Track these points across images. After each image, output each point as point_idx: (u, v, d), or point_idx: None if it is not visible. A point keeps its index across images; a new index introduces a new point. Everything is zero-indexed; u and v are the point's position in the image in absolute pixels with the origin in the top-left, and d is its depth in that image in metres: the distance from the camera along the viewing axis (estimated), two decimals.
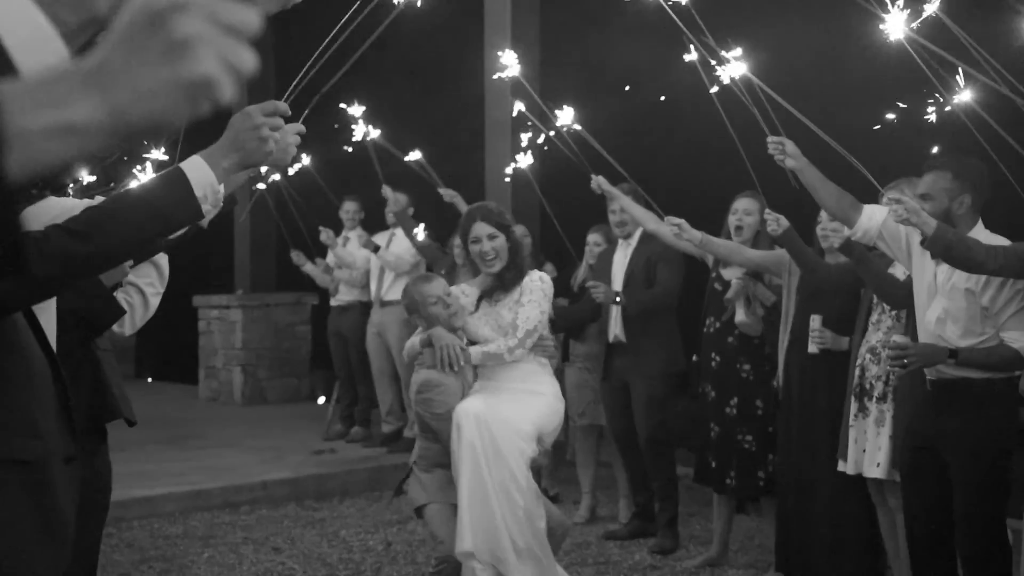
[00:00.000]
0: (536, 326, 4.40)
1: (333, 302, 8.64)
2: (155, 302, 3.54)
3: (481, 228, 4.49)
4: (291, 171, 7.37)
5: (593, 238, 6.52)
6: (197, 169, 2.03)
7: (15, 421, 1.68)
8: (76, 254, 1.84)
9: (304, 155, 7.23)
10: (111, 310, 3.28)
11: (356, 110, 6.44)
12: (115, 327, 3.55)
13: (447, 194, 7.05)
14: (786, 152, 4.08)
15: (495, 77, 6.06)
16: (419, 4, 4.06)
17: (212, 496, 6.77)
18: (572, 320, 6.37)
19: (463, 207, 6.89)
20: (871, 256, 4.39)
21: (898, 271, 4.44)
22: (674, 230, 5.16)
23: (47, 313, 2.56)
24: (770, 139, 4.13)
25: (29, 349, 1.77)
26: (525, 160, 6.31)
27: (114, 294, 3.58)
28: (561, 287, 6.29)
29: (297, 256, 8.65)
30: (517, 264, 4.52)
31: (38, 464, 1.71)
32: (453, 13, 8.41)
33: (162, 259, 3.53)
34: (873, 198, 4.29)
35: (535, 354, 4.46)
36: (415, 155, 6.83)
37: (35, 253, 1.73)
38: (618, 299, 5.84)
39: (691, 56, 4.23)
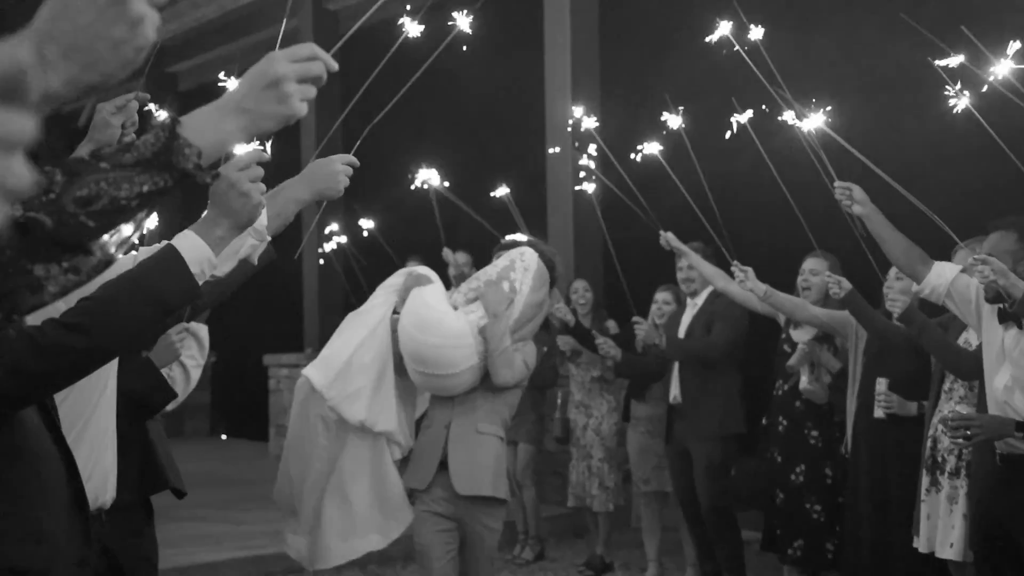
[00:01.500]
0: None
1: None
2: (196, 374, 3.57)
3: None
4: (363, 231, 7.43)
5: (662, 296, 6.39)
6: (191, 244, 1.94)
7: (15, 528, 1.64)
8: (73, 349, 1.73)
9: (368, 220, 7.27)
10: (164, 393, 3.33)
11: (427, 173, 6.37)
12: None
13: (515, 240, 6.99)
14: (853, 198, 3.93)
15: (565, 122, 6.03)
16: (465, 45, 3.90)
17: (275, 562, 6.74)
18: (634, 369, 6.23)
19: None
20: (934, 326, 4.22)
21: (973, 336, 4.24)
22: (740, 276, 5.03)
23: (106, 399, 2.56)
24: (837, 184, 3.99)
25: (40, 452, 1.73)
26: (590, 213, 6.24)
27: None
28: (624, 344, 6.18)
29: None
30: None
31: (40, 572, 1.67)
32: (512, 66, 8.46)
33: (202, 331, 3.56)
34: (945, 254, 4.13)
35: None
36: (503, 190, 6.64)
37: (32, 349, 1.68)
38: (658, 341, 5.73)
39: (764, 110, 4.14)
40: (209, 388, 13.49)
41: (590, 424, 6.55)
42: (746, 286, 5.04)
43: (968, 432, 3.60)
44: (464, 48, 3.70)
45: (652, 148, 5.15)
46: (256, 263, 2.70)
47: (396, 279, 4.36)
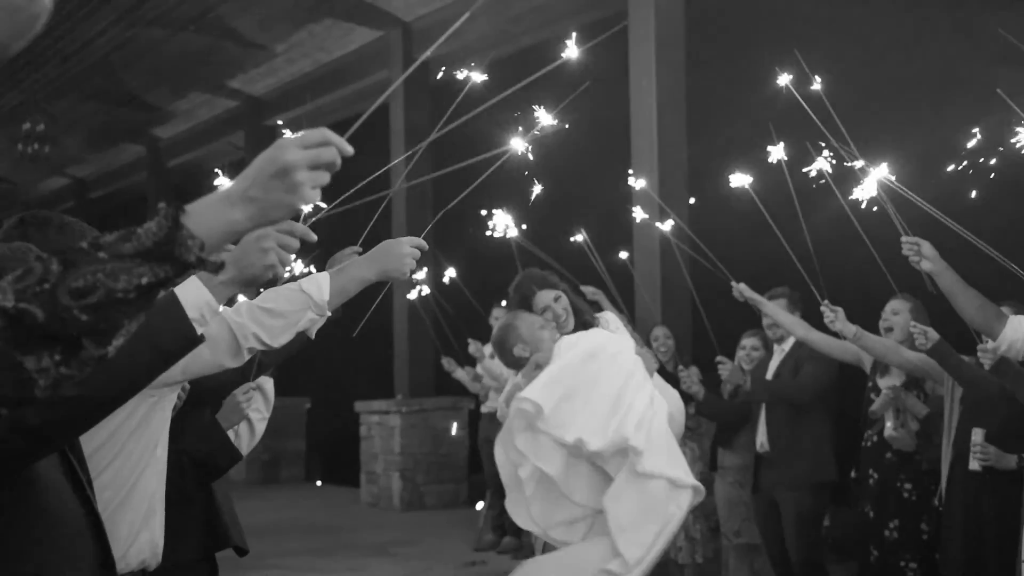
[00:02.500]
0: None
1: (484, 408, 8.60)
2: (261, 428, 3.57)
3: (545, 295, 4.13)
4: (445, 280, 7.45)
5: (750, 342, 6.23)
6: (192, 289, 1.88)
7: None
8: (67, 400, 1.57)
9: (451, 267, 7.29)
10: (229, 454, 3.33)
11: (503, 219, 6.37)
12: None
13: (590, 291, 6.91)
14: (922, 254, 3.79)
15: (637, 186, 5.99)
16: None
17: None
18: (716, 410, 6.06)
19: (607, 305, 6.75)
20: None
21: None
22: (829, 317, 4.84)
23: (156, 462, 2.55)
24: (904, 239, 3.87)
25: (61, 511, 1.70)
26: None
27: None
28: (709, 388, 6.04)
29: (448, 363, 8.69)
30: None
31: None
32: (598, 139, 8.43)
33: (267, 383, 3.56)
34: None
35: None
36: (580, 236, 6.59)
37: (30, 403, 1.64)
38: (743, 382, 5.58)
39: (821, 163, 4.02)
40: (304, 435, 13.65)
41: None
42: (835, 327, 4.85)
43: None
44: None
45: (742, 180, 4.97)
46: (312, 336, 2.70)
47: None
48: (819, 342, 5.24)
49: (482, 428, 8.66)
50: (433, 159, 10.62)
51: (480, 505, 9.71)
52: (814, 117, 3.88)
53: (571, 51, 3.35)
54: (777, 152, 4.57)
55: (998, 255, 3.68)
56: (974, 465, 4.28)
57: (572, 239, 6.37)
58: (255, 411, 3.55)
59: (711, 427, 6.37)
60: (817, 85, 3.88)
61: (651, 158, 7.80)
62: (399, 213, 10.79)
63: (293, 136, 1.44)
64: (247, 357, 2.48)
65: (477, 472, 10.38)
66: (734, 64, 7.87)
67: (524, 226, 6.24)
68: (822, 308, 4.91)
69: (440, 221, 3.91)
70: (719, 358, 5.76)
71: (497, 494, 8.51)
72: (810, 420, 5.52)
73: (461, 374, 8.72)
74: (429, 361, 10.70)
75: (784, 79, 3.93)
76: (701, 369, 6.50)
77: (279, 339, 2.46)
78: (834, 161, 4.01)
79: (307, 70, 12.42)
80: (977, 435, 4.27)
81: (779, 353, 5.85)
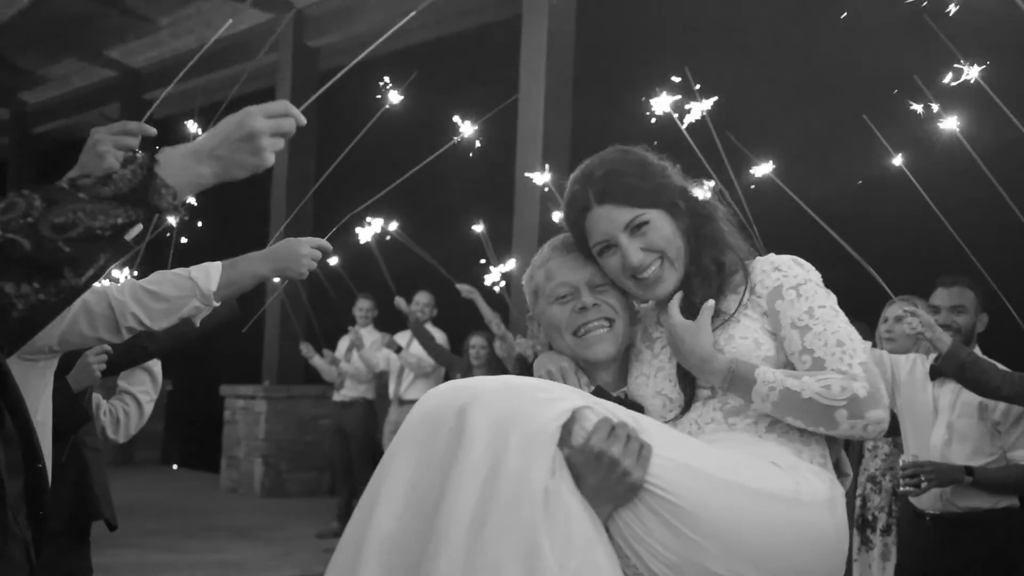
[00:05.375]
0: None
1: (336, 397, 8.66)
2: (149, 408, 3.62)
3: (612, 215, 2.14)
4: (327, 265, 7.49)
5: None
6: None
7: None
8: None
9: (334, 256, 7.34)
10: (75, 417, 3.23)
11: (378, 224, 6.42)
12: (110, 434, 3.61)
13: (464, 290, 7.08)
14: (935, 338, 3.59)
15: (526, 176, 6.18)
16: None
17: None
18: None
19: (482, 303, 6.95)
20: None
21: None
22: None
23: (37, 427, 2.58)
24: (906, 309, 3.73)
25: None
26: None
27: (110, 401, 3.63)
28: None
29: (306, 348, 8.73)
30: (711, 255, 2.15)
31: None
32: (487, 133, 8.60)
33: (155, 365, 3.60)
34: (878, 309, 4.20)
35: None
36: (479, 227, 6.70)
37: None
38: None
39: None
40: (163, 416, 13.38)
41: None
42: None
43: (922, 480, 3.64)
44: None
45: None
46: (198, 325, 2.66)
47: None
48: None
49: (333, 416, 8.75)
50: (319, 148, 10.65)
51: None
52: (691, 141, 4.10)
53: (466, 129, 3.60)
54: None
55: (866, 265, 3.88)
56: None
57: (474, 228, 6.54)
58: (143, 392, 3.59)
59: None
60: (705, 105, 4.12)
61: (535, 159, 8.01)
62: (278, 198, 10.76)
63: (258, 105, 1.61)
64: (126, 336, 2.51)
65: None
66: (620, 81, 8.17)
67: (394, 226, 6.38)
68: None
69: (322, 209, 4.01)
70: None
71: (344, 482, 8.60)
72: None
73: (318, 361, 8.77)
74: (298, 348, 10.70)
75: (660, 104, 4.13)
76: None
77: (160, 323, 2.49)
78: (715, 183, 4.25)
79: (192, 46, 12.20)
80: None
81: None
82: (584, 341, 2.06)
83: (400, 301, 7.64)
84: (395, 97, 3.60)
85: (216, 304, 2.57)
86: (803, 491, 1.77)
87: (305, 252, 2.63)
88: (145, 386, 3.68)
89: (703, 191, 2.08)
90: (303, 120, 1.65)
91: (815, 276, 1.97)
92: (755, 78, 7.03)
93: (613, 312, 2.06)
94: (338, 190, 3.74)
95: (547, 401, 1.67)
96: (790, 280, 1.93)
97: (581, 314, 2.05)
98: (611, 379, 2.09)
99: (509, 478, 1.59)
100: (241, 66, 11.61)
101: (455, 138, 3.74)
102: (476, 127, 3.81)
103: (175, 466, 12.87)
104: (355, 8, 10.28)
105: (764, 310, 1.94)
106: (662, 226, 1.98)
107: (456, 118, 3.73)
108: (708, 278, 1.98)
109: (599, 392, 2.00)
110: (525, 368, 6.22)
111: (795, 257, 2.00)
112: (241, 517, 9.28)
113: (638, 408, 1.95)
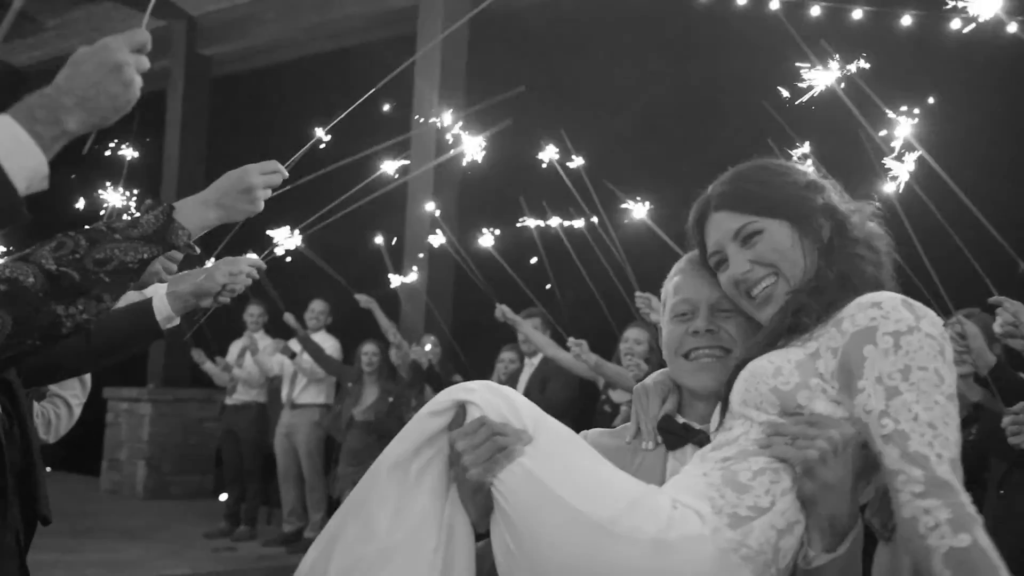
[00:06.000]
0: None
1: (228, 401, 8.86)
2: (78, 411, 3.85)
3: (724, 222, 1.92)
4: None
5: (507, 356, 7.00)
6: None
7: None
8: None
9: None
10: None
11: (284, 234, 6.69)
12: (41, 435, 3.81)
13: (363, 300, 7.42)
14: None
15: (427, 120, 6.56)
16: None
17: None
18: None
19: (380, 314, 7.31)
20: None
21: None
22: (575, 350, 5.64)
23: None
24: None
25: None
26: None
27: (41, 404, 3.84)
28: None
29: (197, 354, 8.90)
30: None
31: None
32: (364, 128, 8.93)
33: None
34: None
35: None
36: (379, 239, 7.00)
37: None
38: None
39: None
40: None
41: None
42: (580, 357, 5.66)
43: None
44: None
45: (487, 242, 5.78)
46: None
47: None
48: (564, 359, 6.06)
49: (225, 419, 8.93)
50: (209, 156, 10.78)
51: (224, 496, 9.91)
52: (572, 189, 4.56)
53: (388, 167, 3.96)
54: (534, 219, 5.36)
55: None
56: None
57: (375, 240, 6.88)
58: (73, 396, 3.80)
59: None
60: (577, 161, 4.56)
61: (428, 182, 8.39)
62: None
63: (255, 164, 2.09)
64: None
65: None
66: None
67: (298, 239, 6.64)
68: (568, 343, 5.70)
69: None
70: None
71: (234, 484, 8.81)
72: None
73: (210, 366, 8.95)
74: (186, 351, 10.80)
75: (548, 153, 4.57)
76: (460, 377, 7.18)
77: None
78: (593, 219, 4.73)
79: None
80: None
81: (529, 367, 6.70)
82: (688, 366, 1.90)
83: (289, 317, 7.94)
84: (322, 134, 3.92)
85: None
86: (668, 536, 1.56)
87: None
88: (75, 390, 3.90)
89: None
90: (286, 174, 2.14)
91: (930, 327, 1.58)
92: (629, 130, 7.62)
93: (731, 342, 1.87)
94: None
95: (456, 391, 1.73)
96: (889, 324, 1.58)
97: (694, 337, 1.89)
98: (708, 412, 1.87)
99: (392, 443, 1.74)
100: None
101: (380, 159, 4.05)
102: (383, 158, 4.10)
103: (48, 468, 12.68)
104: (251, 19, 10.48)
105: (837, 347, 1.61)
106: (779, 239, 1.75)
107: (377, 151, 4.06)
108: (810, 305, 1.69)
109: (666, 420, 1.90)
110: (419, 375, 6.64)
111: (907, 298, 1.63)
112: (126, 519, 9.35)
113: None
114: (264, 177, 2.07)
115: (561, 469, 1.64)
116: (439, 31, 8.59)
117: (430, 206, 6.03)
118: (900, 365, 1.54)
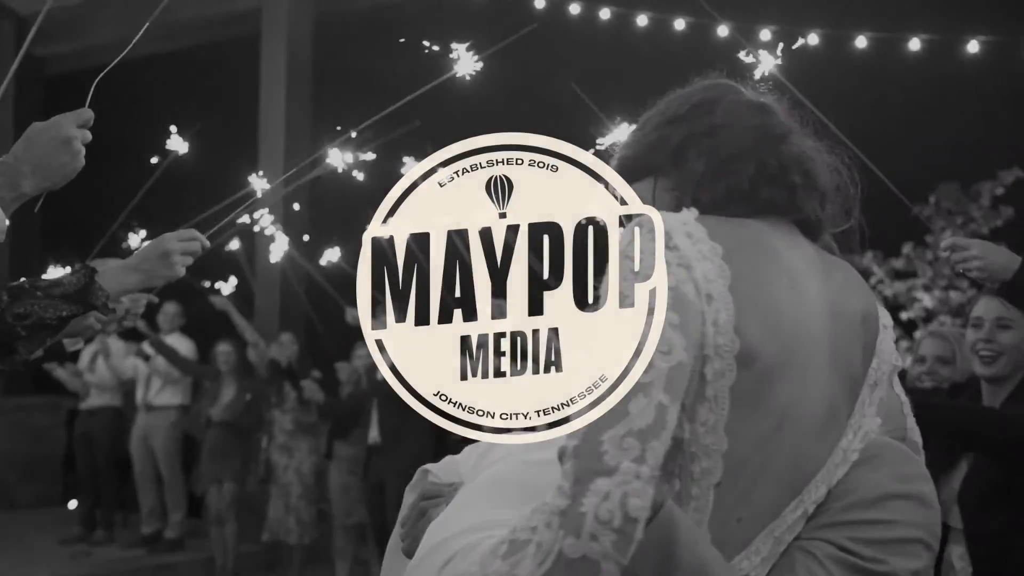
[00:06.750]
0: None
1: (82, 405, 8.77)
2: None
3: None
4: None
5: (364, 351, 7.25)
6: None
7: None
8: None
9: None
10: None
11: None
12: None
13: (218, 303, 7.53)
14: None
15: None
16: None
17: None
18: (336, 411, 7.06)
19: (235, 314, 7.45)
20: None
21: None
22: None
23: None
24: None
25: None
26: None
27: None
28: (328, 390, 7.04)
29: (49, 365, 8.76)
30: None
31: None
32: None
33: None
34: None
35: None
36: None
37: None
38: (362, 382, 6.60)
39: None
40: None
41: (291, 464, 7.22)
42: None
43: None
44: None
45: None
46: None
47: None
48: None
49: (79, 424, 8.83)
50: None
51: (73, 504, 9.76)
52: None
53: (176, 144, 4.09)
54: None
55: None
56: None
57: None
58: None
59: (325, 426, 7.29)
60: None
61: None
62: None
63: (173, 232, 2.26)
64: None
65: (72, 471, 10.34)
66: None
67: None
68: None
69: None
70: (338, 364, 6.70)
71: (87, 489, 8.73)
72: (415, 416, 6.63)
73: (62, 372, 8.83)
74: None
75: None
76: (319, 372, 7.40)
77: None
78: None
79: None
80: None
81: None
82: None
83: (140, 323, 7.92)
84: (181, 145, 4.09)
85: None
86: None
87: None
88: None
89: None
90: (208, 244, 2.32)
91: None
92: None
93: None
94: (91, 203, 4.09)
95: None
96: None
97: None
98: None
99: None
100: None
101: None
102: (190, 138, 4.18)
103: None
104: (86, 19, 10.29)
105: None
106: None
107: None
108: None
109: None
110: (277, 372, 6.84)
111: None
112: None
113: None
114: (182, 244, 2.22)
115: (458, 513, 1.56)
116: (284, 33, 8.74)
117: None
118: None
